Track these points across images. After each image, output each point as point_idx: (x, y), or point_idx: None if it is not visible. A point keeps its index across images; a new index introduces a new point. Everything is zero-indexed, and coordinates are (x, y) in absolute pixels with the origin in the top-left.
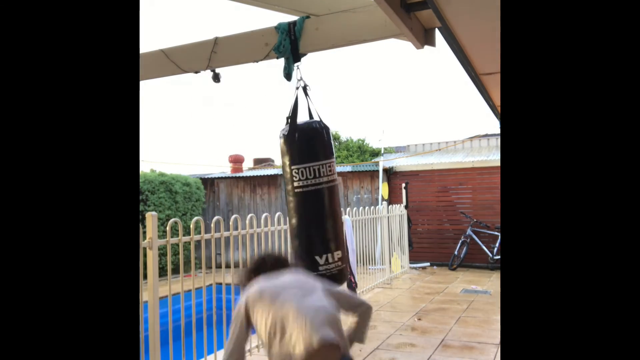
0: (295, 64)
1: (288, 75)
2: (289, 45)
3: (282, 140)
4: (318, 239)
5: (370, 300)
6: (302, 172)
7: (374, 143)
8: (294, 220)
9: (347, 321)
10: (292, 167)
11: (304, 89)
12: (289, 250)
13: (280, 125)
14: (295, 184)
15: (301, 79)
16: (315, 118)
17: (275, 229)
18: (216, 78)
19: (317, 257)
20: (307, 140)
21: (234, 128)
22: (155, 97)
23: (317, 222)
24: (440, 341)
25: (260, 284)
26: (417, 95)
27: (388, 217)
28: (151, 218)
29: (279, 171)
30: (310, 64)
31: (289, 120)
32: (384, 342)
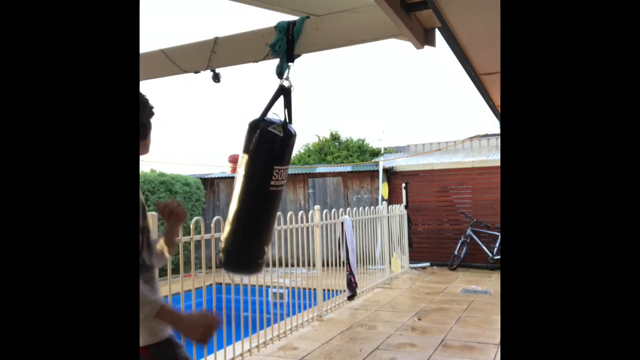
0: (289, 64)
1: (280, 74)
2: (285, 45)
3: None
4: (269, 233)
5: (370, 300)
6: (281, 172)
7: (374, 143)
8: (256, 217)
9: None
10: (275, 167)
11: (288, 89)
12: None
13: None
14: (272, 183)
15: (288, 78)
16: (290, 121)
17: (275, 229)
18: (216, 78)
19: (265, 248)
20: (290, 144)
21: (234, 128)
22: (155, 97)
23: (273, 217)
24: (440, 341)
25: None
26: (417, 95)
27: (388, 217)
28: (151, 218)
29: None
30: (311, 64)
31: (270, 105)
32: (384, 342)
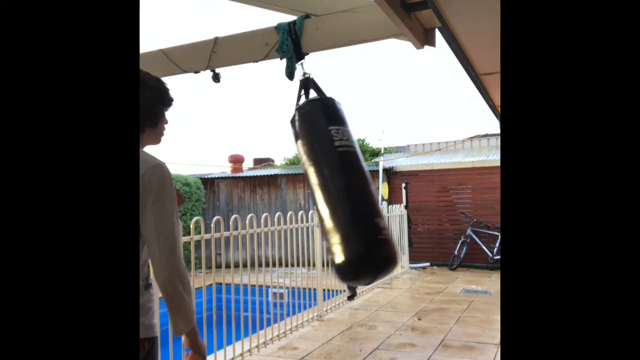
0: (300, 62)
1: (291, 74)
2: (292, 44)
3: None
4: (372, 199)
5: (370, 300)
6: (341, 132)
7: (374, 143)
8: (341, 181)
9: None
10: (331, 128)
11: (311, 80)
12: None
13: (281, 124)
14: (337, 143)
15: (305, 73)
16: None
17: (275, 229)
18: (216, 78)
19: (377, 220)
20: (335, 107)
21: (234, 128)
22: None
23: (366, 182)
24: (440, 341)
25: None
26: (417, 95)
27: (388, 217)
28: None
29: (279, 171)
30: (311, 64)
31: (298, 101)
32: (384, 342)
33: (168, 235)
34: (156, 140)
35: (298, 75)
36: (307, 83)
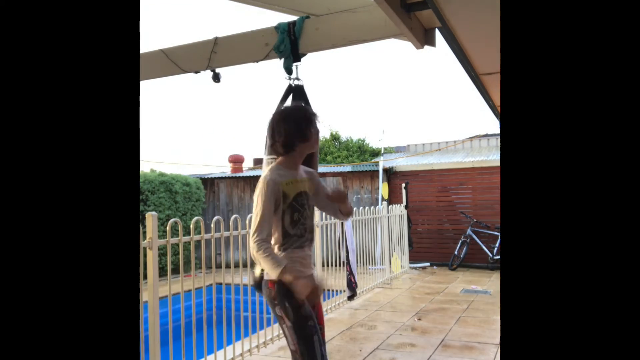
0: (295, 64)
1: (288, 69)
2: (289, 45)
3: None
4: None
5: (370, 300)
6: None
7: (374, 143)
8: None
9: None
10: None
11: (299, 88)
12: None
13: None
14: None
15: (297, 78)
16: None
17: None
18: (216, 78)
19: None
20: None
21: (234, 128)
22: (156, 97)
23: None
24: (440, 341)
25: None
26: (417, 95)
27: (388, 217)
28: (151, 218)
29: None
30: (311, 64)
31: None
32: (384, 342)
33: (253, 219)
34: (312, 148)
35: (294, 74)
36: (294, 92)
